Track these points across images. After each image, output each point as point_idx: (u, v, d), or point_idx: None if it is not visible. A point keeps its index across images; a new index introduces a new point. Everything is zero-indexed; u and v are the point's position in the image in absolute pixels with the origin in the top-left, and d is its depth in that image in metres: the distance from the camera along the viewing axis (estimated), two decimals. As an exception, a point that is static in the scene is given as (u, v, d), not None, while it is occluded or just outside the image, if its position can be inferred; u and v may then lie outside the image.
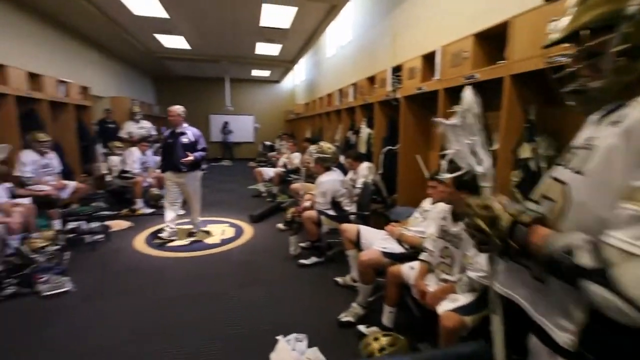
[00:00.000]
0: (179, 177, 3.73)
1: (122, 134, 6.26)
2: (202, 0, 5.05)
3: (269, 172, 6.23)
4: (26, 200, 3.38)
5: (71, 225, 3.76)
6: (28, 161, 3.79)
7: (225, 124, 12.21)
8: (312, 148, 5.62)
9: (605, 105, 0.74)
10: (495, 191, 0.94)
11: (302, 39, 7.08)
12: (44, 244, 3.29)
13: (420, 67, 2.91)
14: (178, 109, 3.72)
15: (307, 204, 3.44)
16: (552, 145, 1.78)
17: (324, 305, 2.52)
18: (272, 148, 11.05)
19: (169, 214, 3.86)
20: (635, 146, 0.60)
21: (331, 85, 6.51)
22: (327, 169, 3.32)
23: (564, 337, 0.71)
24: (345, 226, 2.70)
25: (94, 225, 3.80)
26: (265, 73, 11.39)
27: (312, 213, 3.18)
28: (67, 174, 4.46)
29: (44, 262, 2.86)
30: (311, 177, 4.92)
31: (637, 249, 0.56)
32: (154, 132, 6.60)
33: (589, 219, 0.67)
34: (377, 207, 3.57)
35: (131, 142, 5.81)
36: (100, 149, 6.11)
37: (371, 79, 4.12)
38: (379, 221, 3.47)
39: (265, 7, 5.21)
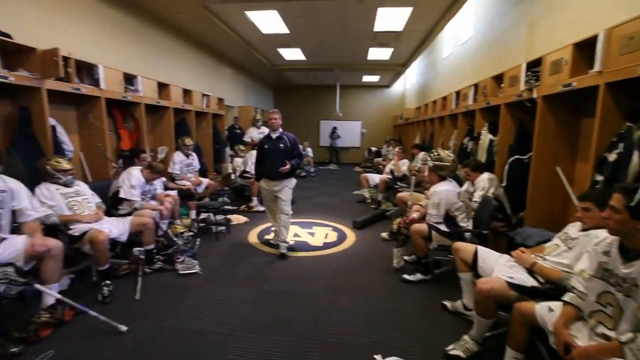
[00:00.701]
0: (275, 185, 3.55)
1: (246, 138, 7.14)
2: (318, 11, 5.29)
3: (375, 178, 6.13)
4: (173, 192, 4.12)
5: (202, 216, 4.42)
6: (177, 161, 4.72)
7: (334, 129, 12.67)
8: (422, 155, 5.33)
9: None
10: None
11: (415, 41, 6.80)
12: (183, 230, 3.97)
13: (570, 58, 2.37)
14: (278, 112, 3.60)
15: (414, 215, 3.19)
16: None
17: (429, 330, 2.27)
18: (378, 154, 10.93)
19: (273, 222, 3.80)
20: None
21: (447, 87, 6.05)
22: (443, 178, 3.02)
23: None
24: (460, 245, 2.38)
25: (220, 217, 4.36)
26: (375, 78, 11.35)
27: (422, 227, 2.91)
28: (203, 172, 5.40)
29: (182, 245, 3.41)
30: (419, 186, 4.61)
31: None
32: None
33: None
34: (498, 226, 3.08)
35: (252, 145, 6.54)
36: (228, 151, 7.18)
37: (498, 78, 3.61)
38: (500, 242, 3.00)
39: (381, 11, 5.14)
